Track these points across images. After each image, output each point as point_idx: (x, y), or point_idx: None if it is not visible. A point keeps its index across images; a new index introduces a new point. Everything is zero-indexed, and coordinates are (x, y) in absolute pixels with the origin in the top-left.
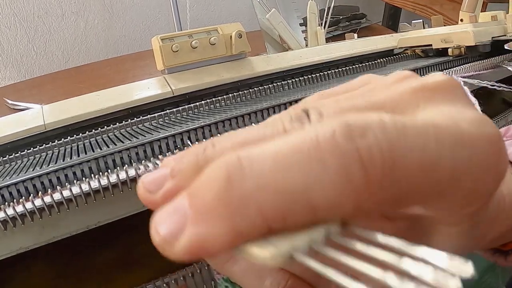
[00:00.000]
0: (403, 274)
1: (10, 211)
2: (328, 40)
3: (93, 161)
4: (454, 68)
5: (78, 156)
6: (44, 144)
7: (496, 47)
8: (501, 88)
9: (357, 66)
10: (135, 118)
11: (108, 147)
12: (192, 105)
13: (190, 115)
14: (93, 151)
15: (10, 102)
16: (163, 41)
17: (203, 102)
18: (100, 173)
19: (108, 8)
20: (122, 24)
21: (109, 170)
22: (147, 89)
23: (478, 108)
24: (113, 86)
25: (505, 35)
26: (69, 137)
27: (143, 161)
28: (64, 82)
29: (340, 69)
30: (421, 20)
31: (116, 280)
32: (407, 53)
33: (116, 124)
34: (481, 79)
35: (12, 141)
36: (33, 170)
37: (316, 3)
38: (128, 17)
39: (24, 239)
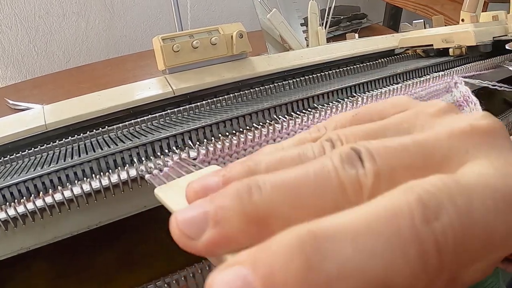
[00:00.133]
0: None
1: (11, 211)
2: (329, 40)
3: (94, 161)
4: (455, 68)
5: (79, 156)
6: (45, 144)
7: (497, 47)
8: (502, 88)
9: (358, 66)
10: (136, 118)
11: (109, 147)
12: (193, 105)
13: (191, 115)
14: (94, 151)
15: (11, 102)
16: (164, 41)
17: (204, 102)
18: (101, 173)
19: (109, 8)
20: (123, 24)
21: (110, 170)
22: (148, 89)
23: (480, 108)
24: (114, 86)
25: (506, 35)
26: (70, 137)
27: (144, 161)
28: (65, 82)
29: (341, 69)
30: (422, 20)
31: (117, 280)
32: (408, 53)
33: (117, 124)
34: (482, 79)
35: (13, 141)
36: (34, 170)
37: (317, 3)
38: (129, 17)
39: (25, 239)
